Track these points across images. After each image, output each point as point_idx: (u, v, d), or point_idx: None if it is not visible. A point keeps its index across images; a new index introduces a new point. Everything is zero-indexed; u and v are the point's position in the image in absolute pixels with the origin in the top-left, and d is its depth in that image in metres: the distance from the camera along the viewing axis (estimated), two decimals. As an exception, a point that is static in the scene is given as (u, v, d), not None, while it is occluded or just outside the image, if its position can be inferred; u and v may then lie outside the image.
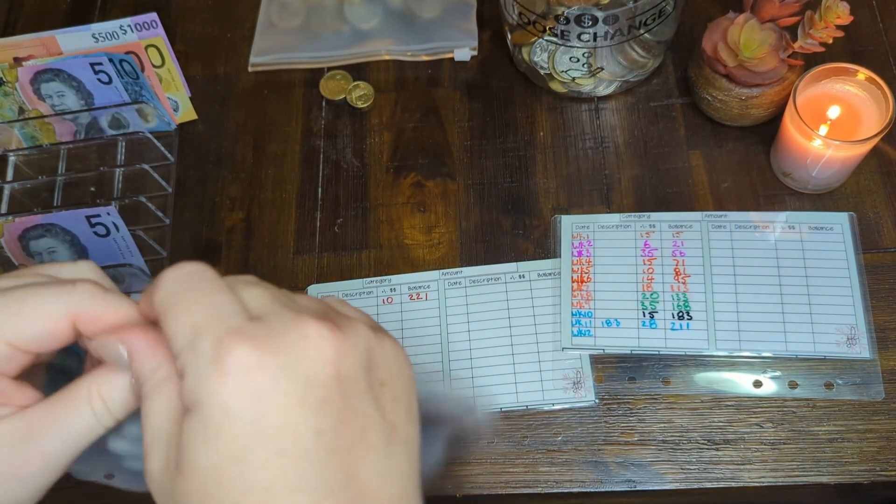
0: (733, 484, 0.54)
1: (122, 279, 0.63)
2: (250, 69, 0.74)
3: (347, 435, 0.29)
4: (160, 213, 0.67)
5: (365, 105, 0.70)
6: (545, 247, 0.63)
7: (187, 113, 0.72)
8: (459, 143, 0.68)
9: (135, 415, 0.32)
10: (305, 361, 0.29)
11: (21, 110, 0.69)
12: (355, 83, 0.71)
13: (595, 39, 0.60)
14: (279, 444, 0.28)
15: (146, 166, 0.68)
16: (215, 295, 0.30)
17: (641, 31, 0.60)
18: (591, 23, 0.58)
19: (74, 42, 0.67)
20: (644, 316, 0.58)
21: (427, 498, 0.58)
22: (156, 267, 0.66)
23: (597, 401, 0.57)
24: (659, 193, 0.64)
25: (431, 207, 0.66)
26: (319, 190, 0.68)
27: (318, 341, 0.29)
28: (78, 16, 0.79)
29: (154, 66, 0.68)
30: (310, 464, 0.28)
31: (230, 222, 0.68)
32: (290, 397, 0.28)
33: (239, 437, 0.28)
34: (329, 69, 0.72)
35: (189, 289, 0.30)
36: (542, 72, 0.67)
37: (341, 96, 0.71)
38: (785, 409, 0.56)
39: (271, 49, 0.74)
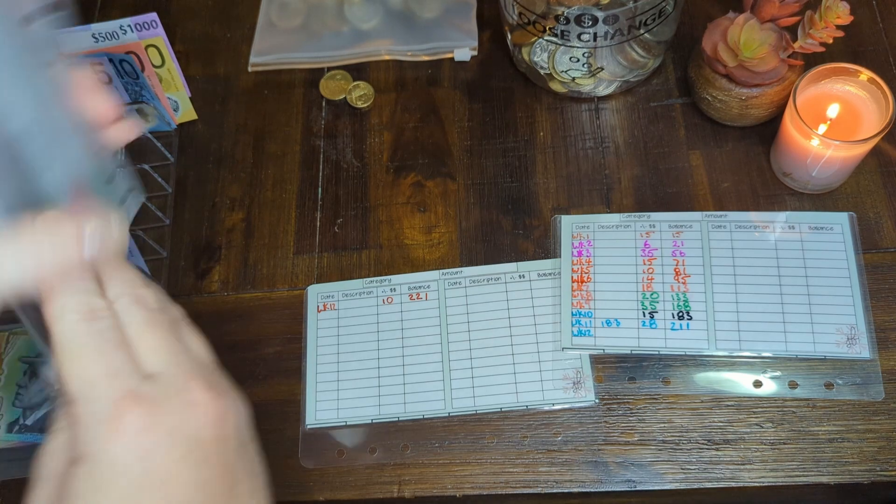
0: (733, 484, 0.54)
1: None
2: (250, 69, 0.74)
3: (224, 487, 0.32)
4: (160, 213, 0.67)
5: (365, 105, 0.70)
6: (545, 247, 0.63)
7: (187, 113, 0.72)
8: (459, 143, 0.68)
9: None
10: (192, 424, 0.32)
11: (21, 110, 0.69)
12: (355, 83, 0.71)
13: (595, 39, 0.60)
14: (165, 495, 0.31)
15: (146, 166, 0.68)
16: (112, 353, 0.32)
17: (641, 31, 0.60)
18: (591, 23, 0.58)
19: (74, 42, 0.67)
20: (644, 316, 0.58)
21: (428, 498, 0.58)
22: (156, 267, 0.66)
23: (597, 401, 0.57)
24: (659, 193, 0.64)
25: (431, 207, 0.66)
26: (319, 190, 0.68)
27: (205, 407, 0.32)
28: (78, 16, 0.79)
29: (154, 66, 0.68)
30: None
31: (230, 222, 0.68)
32: (176, 455, 0.31)
33: (126, 489, 0.30)
34: (329, 69, 0.72)
35: (88, 340, 0.32)
36: (542, 72, 0.67)
37: (341, 96, 0.71)
38: (785, 409, 0.56)
39: (271, 49, 0.74)
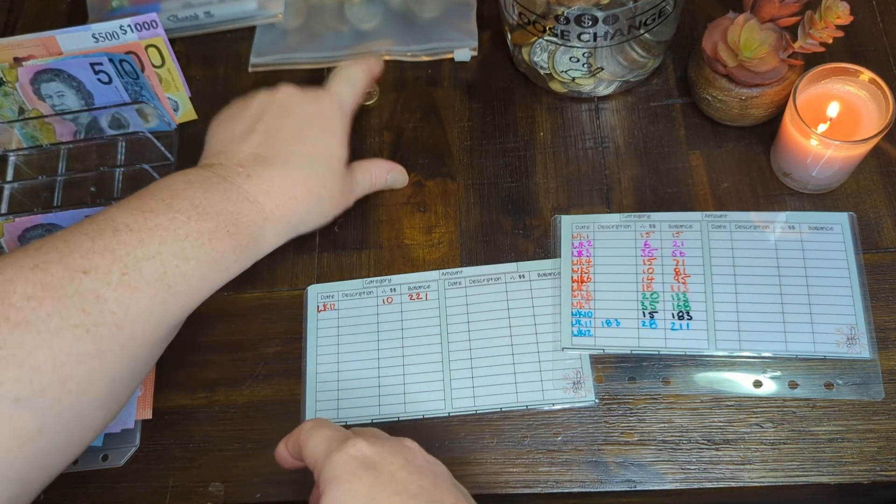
0: (733, 484, 0.54)
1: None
2: (250, 69, 0.74)
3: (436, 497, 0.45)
4: (160, 213, 0.67)
5: (370, 102, 0.70)
6: (545, 247, 0.63)
7: (187, 113, 0.72)
8: (459, 143, 0.68)
9: None
10: (402, 450, 0.46)
11: (21, 110, 0.69)
12: None
13: (595, 39, 0.60)
14: (395, 489, 0.43)
15: (146, 166, 0.68)
16: (330, 427, 0.48)
17: (641, 31, 0.60)
18: (591, 23, 0.58)
19: (74, 42, 0.67)
20: (644, 316, 0.58)
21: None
22: (156, 267, 0.66)
23: (597, 401, 0.57)
24: (659, 193, 0.64)
25: (431, 207, 0.66)
26: (319, 190, 0.68)
27: (409, 442, 0.48)
28: (78, 16, 0.79)
29: (154, 66, 0.68)
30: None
31: (230, 222, 0.68)
32: (397, 465, 0.44)
33: (366, 485, 0.43)
34: (328, 70, 0.72)
35: (317, 426, 0.48)
36: (542, 72, 0.67)
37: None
38: (785, 409, 0.56)
39: (271, 49, 0.74)
